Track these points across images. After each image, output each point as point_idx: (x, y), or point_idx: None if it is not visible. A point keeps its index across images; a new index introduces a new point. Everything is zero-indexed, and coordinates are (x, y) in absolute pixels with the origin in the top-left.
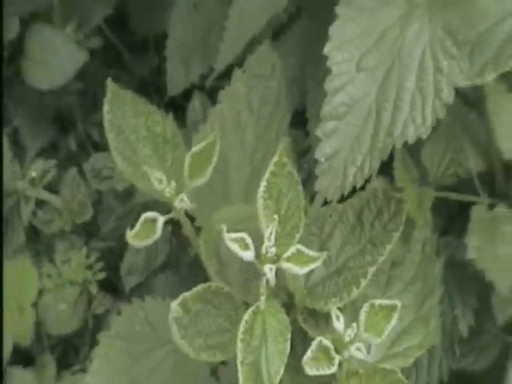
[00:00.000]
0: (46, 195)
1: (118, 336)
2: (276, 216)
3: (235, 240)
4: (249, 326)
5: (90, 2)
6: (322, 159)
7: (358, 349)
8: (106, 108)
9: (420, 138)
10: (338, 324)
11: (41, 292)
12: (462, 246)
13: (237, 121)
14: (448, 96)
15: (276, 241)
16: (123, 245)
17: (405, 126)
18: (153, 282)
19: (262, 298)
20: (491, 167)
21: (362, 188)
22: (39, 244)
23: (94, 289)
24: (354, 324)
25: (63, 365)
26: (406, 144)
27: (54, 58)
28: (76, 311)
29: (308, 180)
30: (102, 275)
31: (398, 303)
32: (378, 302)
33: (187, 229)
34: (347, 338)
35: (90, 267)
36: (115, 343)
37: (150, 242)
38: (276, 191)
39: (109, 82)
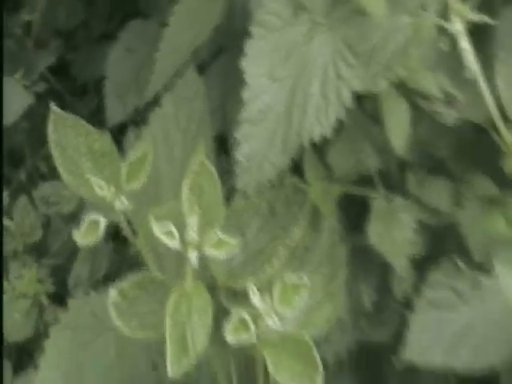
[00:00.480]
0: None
1: (66, 327)
2: (197, 208)
3: (162, 230)
4: (176, 305)
5: (35, 52)
6: (241, 158)
7: (273, 320)
8: (50, 128)
9: (328, 141)
10: (255, 298)
11: None
12: (364, 233)
13: (166, 137)
14: (348, 99)
15: (199, 230)
16: (70, 262)
17: (311, 127)
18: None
19: (188, 280)
20: (387, 164)
21: None
22: None
23: (44, 300)
24: (268, 298)
25: (18, 367)
26: (314, 145)
27: (5, 101)
28: (29, 320)
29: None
30: (51, 288)
31: (307, 281)
32: (289, 279)
33: (126, 230)
34: (262, 310)
35: (40, 282)
36: (64, 334)
37: (93, 241)
38: (198, 187)
39: (52, 106)
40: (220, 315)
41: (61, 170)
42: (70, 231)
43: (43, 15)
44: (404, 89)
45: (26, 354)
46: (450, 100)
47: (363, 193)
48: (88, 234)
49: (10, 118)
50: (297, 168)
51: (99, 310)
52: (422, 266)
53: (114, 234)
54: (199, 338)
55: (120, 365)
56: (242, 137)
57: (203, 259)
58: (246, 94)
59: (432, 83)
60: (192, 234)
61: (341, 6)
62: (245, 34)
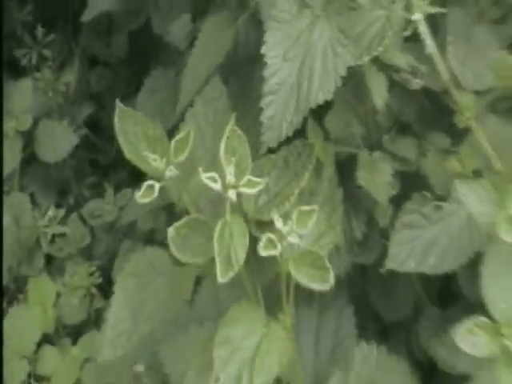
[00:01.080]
0: (60, 229)
1: (129, 274)
2: (232, 160)
3: (209, 177)
4: (221, 231)
5: (74, 107)
6: (265, 120)
7: (293, 237)
8: (116, 119)
9: (326, 108)
10: (278, 223)
11: (58, 295)
12: (354, 180)
13: (198, 129)
14: (343, 71)
15: (235, 176)
16: (112, 261)
17: (316, 94)
18: None
19: (228, 213)
20: (368, 128)
21: None
22: (54, 265)
23: (94, 291)
24: (288, 223)
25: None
26: (315, 113)
27: (55, 141)
28: (83, 307)
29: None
30: (99, 280)
31: (316, 207)
32: (303, 208)
33: (173, 193)
34: (284, 231)
35: (91, 275)
36: (127, 279)
37: (149, 200)
38: (231, 147)
39: (117, 102)
40: (252, 242)
41: (125, 150)
42: (110, 239)
43: (78, 80)
44: (381, 64)
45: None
46: (415, 72)
47: (351, 150)
48: (145, 195)
49: (59, 154)
50: (302, 131)
51: (154, 260)
52: (397, 202)
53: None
54: (240, 254)
55: (171, 300)
56: (264, 104)
57: (238, 198)
58: (266, 72)
59: (402, 60)
60: (230, 177)
61: (335, 2)
62: (248, 59)
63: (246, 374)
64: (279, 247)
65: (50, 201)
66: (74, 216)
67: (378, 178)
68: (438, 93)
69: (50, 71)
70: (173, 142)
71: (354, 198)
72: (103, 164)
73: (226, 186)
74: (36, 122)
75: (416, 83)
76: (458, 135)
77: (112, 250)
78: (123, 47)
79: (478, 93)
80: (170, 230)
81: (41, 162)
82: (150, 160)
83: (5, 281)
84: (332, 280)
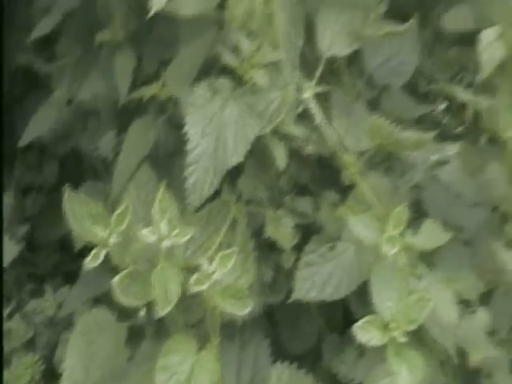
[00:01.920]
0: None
1: (79, 332)
2: (165, 215)
3: (147, 232)
4: (157, 275)
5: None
6: (189, 186)
7: (217, 275)
8: (64, 201)
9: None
10: (205, 265)
11: None
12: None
13: (133, 206)
14: (252, 137)
15: (166, 230)
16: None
17: (231, 158)
18: None
19: (162, 261)
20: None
21: None
22: None
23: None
24: (213, 263)
25: None
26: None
27: None
28: None
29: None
30: (42, 368)
31: (235, 249)
32: (223, 252)
33: (116, 256)
34: (210, 271)
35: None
36: (78, 336)
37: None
38: (163, 207)
39: (66, 189)
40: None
41: (73, 228)
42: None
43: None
44: (281, 135)
45: None
46: (308, 140)
47: (260, 208)
48: (93, 260)
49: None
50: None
51: (98, 319)
52: (299, 248)
53: None
54: (174, 292)
55: (116, 350)
56: (188, 173)
57: (171, 251)
58: (188, 147)
59: (297, 131)
60: (163, 229)
61: (240, 87)
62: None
63: None
64: (206, 284)
65: None
66: (17, 316)
67: (282, 231)
68: (327, 157)
69: None
70: (114, 215)
71: (263, 249)
72: (40, 274)
73: (160, 238)
74: None
75: (309, 149)
76: (345, 191)
77: (53, 341)
78: (53, 173)
79: (358, 153)
80: (115, 279)
81: None
82: (97, 231)
83: None
84: (250, 307)
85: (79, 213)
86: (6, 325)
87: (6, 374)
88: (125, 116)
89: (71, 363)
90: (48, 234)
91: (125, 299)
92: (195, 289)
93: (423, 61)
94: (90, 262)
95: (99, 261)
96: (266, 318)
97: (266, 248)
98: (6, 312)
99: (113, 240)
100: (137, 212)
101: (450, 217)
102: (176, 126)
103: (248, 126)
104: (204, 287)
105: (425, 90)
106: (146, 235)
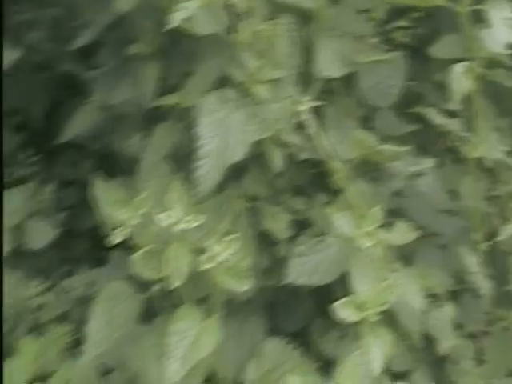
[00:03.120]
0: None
1: (103, 298)
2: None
3: (162, 217)
4: (170, 255)
5: None
6: (199, 177)
7: (223, 256)
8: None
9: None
10: (211, 248)
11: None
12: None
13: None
14: (252, 139)
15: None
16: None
17: (232, 157)
18: None
19: (175, 242)
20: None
21: None
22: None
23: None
24: (220, 245)
25: None
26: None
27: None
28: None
29: None
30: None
31: (237, 236)
32: (228, 237)
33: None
34: (216, 252)
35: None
36: (102, 301)
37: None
38: (175, 198)
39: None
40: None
41: (101, 212)
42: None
43: None
44: (279, 142)
45: None
46: (303, 147)
47: (260, 204)
48: (117, 236)
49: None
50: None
51: (119, 290)
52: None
53: None
54: (184, 269)
55: (133, 315)
56: (198, 166)
57: (184, 233)
58: (199, 143)
59: (293, 138)
60: (177, 216)
61: (245, 98)
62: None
63: (189, 352)
64: (212, 263)
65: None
66: (52, 292)
67: (278, 224)
68: (319, 163)
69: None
70: (135, 200)
71: (261, 239)
72: (74, 257)
73: (174, 222)
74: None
75: (303, 155)
76: (334, 193)
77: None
78: (88, 169)
79: (346, 161)
80: (136, 255)
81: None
82: (121, 214)
83: None
84: (248, 285)
85: (106, 198)
86: (43, 298)
87: (41, 342)
88: (150, 120)
89: (94, 325)
90: (82, 222)
91: (143, 272)
92: (203, 267)
93: (412, 84)
94: (115, 238)
95: (122, 238)
96: (262, 300)
97: (264, 238)
98: (42, 288)
99: (134, 221)
100: (156, 200)
101: (427, 223)
102: (193, 131)
103: (249, 132)
104: (211, 266)
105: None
106: (162, 219)
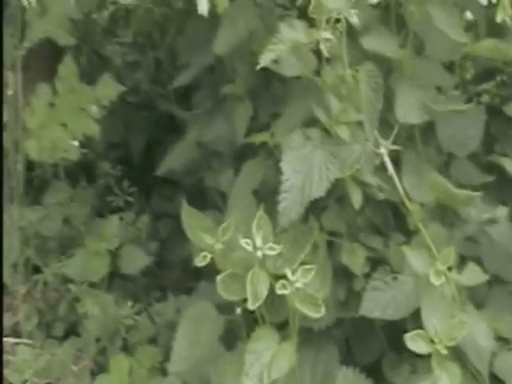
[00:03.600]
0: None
1: (188, 318)
2: (260, 231)
3: (245, 242)
4: (251, 277)
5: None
6: (281, 210)
7: (299, 284)
8: (183, 214)
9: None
10: (289, 275)
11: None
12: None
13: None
14: (332, 179)
15: (261, 243)
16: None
17: (314, 193)
18: None
19: (256, 266)
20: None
21: None
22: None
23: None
24: (296, 273)
25: None
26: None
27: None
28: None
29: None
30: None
31: (314, 266)
32: (306, 266)
33: (218, 262)
34: (293, 280)
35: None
36: (187, 321)
37: (204, 263)
38: (260, 225)
39: (184, 203)
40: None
41: (188, 234)
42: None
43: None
44: (358, 182)
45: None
46: (380, 188)
47: (339, 239)
48: (201, 260)
49: (137, 268)
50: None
51: (204, 310)
52: (368, 275)
53: None
54: (263, 292)
55: (216, 336)
56: (281, 199)
57: (263, 260)
58: (283, 178)
59: (372, 179)
60: (258, 242)
61: (327, 138)
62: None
63: (265, 371)
64: (289, 289)
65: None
66: (144, 315)
67: (355, 260)
68: (396, 204)
69: (132, 213)
70: (220, 228)
71: (338, 273)
72: (165, 285)
73: (255, 248)
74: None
75: (381, 195)
76: (409, 234)
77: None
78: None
79: (422, 204)
80: (219, 277)
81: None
82: (207, 240)
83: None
84: (322, 311)
85: (194, 224)
86: (134, 320)
87: (131, 360)
88: (241, 157)
89: (180, 343)
90: (173, 253)
91: (225, 294)
92: (280, 292)
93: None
94: (200, 261)
95: (206, 262)
96: (338, 331)
97: (341, 272)
98: (134, 310)
99: (218, 247)
100: (241, 228)
101: (499, 269)
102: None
103: (330, 170)
104: (287, 292)
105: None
106: (244, 245)
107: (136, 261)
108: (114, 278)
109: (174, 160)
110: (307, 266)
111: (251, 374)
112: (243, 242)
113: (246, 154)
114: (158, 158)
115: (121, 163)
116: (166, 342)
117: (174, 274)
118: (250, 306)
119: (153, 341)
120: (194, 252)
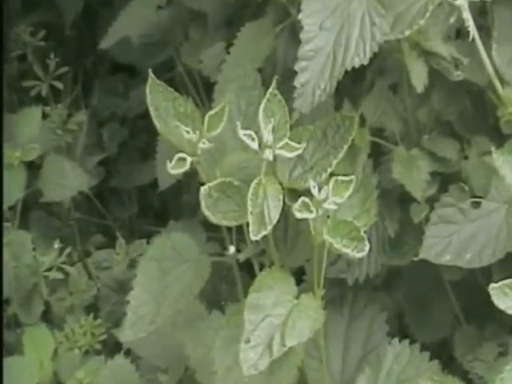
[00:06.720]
0: (60, 275)
1: (152, 258)
2: (272, 119)
3: (247, 135)
4: (255, 190)
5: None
6: (298, 86)
7: (329, 204)
8: (147, 90)
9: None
10: (315, 190)
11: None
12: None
13: (230, 119)
14: (379, 38)
15: (272, 138)
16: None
17: (352, 59)
18: None
19: (263, 174)
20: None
21: None
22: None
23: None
24: (325, 188)
25: None
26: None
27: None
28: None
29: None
30: (103, 337)
31: (353, 178)
32: (340, 178)
33: (203, 170)
34: (320, 198)
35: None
36: (150, 262)
37: (181, 171)
38: (270, 110)
39: (150, 74)
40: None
41: (155, 121)
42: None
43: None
44: (422, 51)
45: None
46: (456, 63)
47: (387, 144)
48: (177, 166)
49: (67, 193)
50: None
51: (178, 246)
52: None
53: None
54: (273, 214)
55: (195, 285)
56: (299, 69)
57: (272, 167)
58: (303, 37)
59: (443, 49)
60: (268, 136)
61: None
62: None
63: (277, 336)
64: (314, 212)
65: (50, 247)
66: (78, 265)
67: (415, 174)
68: (480, 91)
69: (62, 106)
70: (207, 115)
71: (387, 195)
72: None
73: (263, 146)
74: (42, 157)
75: (457, 75)
76: (501, 137)
77: (120, 311)
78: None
79: None
80: (202, 189)
81: (43, 207)
82: (183, 132)
83: None
84: (367, 249)
85: (164, 108)
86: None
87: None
88: (236, 22)
89: (139, 293)
90: (127, 177)
91: (212, 216)
92: (300, 216)
93: None
94: (174, 168)
95: (185, 168)
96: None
97: (391, 196)
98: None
99: (203, 146)
100: (234, 121)
101: None
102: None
103: (378, 25)
104: (311, 216)
105: None
106: (246, 140)
107: (66, 182)
108: (33, 209)
109: (127, 26)
110: (342, 177)
111: (254, 340)
112: (244, 134)
113: (245, 16)
114: (102, 24)
115: (45, 29)
116: (112, 310)
117: (126, 209)
118: (253, 235)
119: (91, 307)
120: (161, 174)
